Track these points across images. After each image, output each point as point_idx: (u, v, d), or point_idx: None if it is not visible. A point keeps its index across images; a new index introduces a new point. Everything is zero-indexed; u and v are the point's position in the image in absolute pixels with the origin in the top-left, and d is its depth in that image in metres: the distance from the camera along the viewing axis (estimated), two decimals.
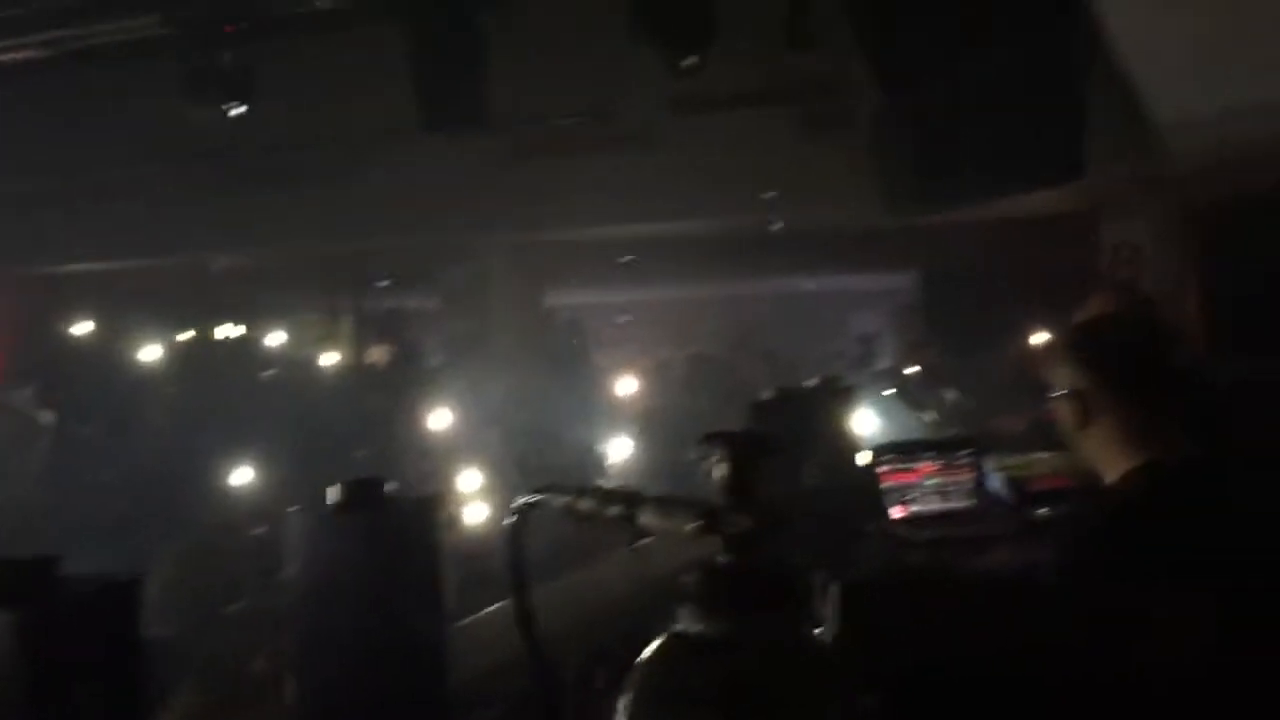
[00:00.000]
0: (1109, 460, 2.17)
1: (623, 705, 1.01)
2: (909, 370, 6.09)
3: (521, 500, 1.33)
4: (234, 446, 7.35)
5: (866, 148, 5.65)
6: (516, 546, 1.34)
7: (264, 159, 8.29)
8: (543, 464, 6.28)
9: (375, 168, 8.34)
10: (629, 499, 1.15)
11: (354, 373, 9.40)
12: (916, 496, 3.80)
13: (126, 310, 9.78)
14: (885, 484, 3.83)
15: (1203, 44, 4.16)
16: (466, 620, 2.75)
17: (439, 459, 6.93)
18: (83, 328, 9.61)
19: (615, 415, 8.68)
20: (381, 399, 8.16)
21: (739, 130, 7.95)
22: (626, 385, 9.70)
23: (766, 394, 3.69)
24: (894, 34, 4.81)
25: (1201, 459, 2.20)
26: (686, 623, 1.02)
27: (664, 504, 1.11)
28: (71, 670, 1.46)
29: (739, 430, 1.04)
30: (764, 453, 1.03)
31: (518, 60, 7.04)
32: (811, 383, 4.42)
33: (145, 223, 8.96)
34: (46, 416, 7.99)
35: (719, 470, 1.04)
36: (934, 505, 3.79)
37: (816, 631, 1.04)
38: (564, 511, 1.24)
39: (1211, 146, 5.72)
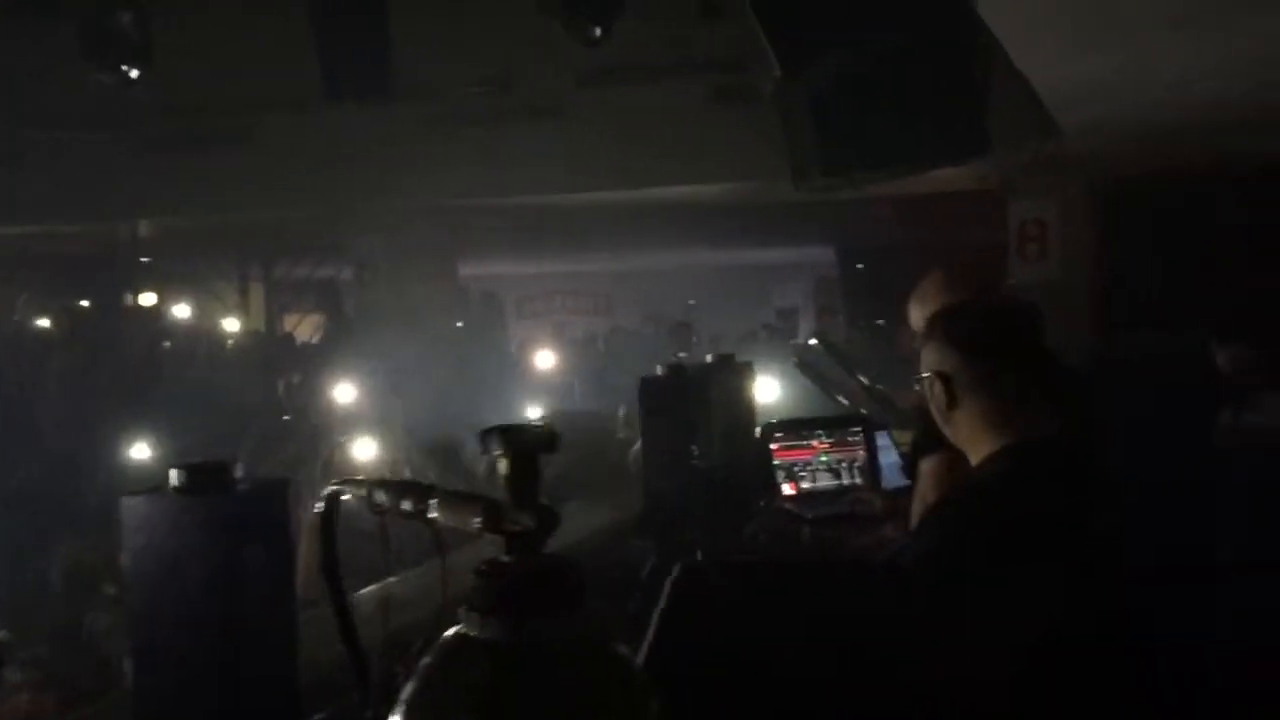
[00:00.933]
0: (973, 442, 2.18)
1: (403, 700, 0.98)
2: (817, 343, 6.10)
3: (329, 490, 1.30)
4: (136, 419, 7.20)
5: (772, 123, 5.62)
6: (327, 535, 1.31)
7: (170, 124, 8.07)
8: (450, 439, 6.22)
9: (287, 135, 8.17)
10: (421, 493, 1.11)
11: (263, 343, 9.24)
12: (809, 473, 3.82)
13: (29, 278, 9.51)
14: (778, 460, 3.85)
15: (1079, 25, 4.20)
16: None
17: (347, 432, 6.84)
18: None
19: (533, 388, 8.64)
20: (290, 370, 8.03)
21: (650, 102, 7.90)
22: (544, 358, 9.67)
23: (659, 369, 3.65)
24: (794, 7, 4.78)
25: (1063, 440, 2.22)
26: (467, 624, 0.98)
27: (453, 499, 1.07)
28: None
29: (519, 425, 1.00)
30: (545, 449, 1.00)
31: (428, 29, 6.92)
32: (708, 358, 4.42)
33: (48, 189, 8.69)
34: None
35: (501, 467, 1.00)
36: (825, 483, 3.81)
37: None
38: (364, 504, 1.21)
39: (1104, 124, 5.79)
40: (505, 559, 0.98)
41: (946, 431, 2.24)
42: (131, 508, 1.98)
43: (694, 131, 7.77)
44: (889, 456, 4.04)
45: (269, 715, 2.08)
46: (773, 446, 3.81)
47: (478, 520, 1.00)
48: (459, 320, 9.99)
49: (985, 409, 2.12)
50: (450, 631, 1.00)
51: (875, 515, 3.52)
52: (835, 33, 4.79)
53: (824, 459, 3.82)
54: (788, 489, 3.75)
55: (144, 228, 9.69)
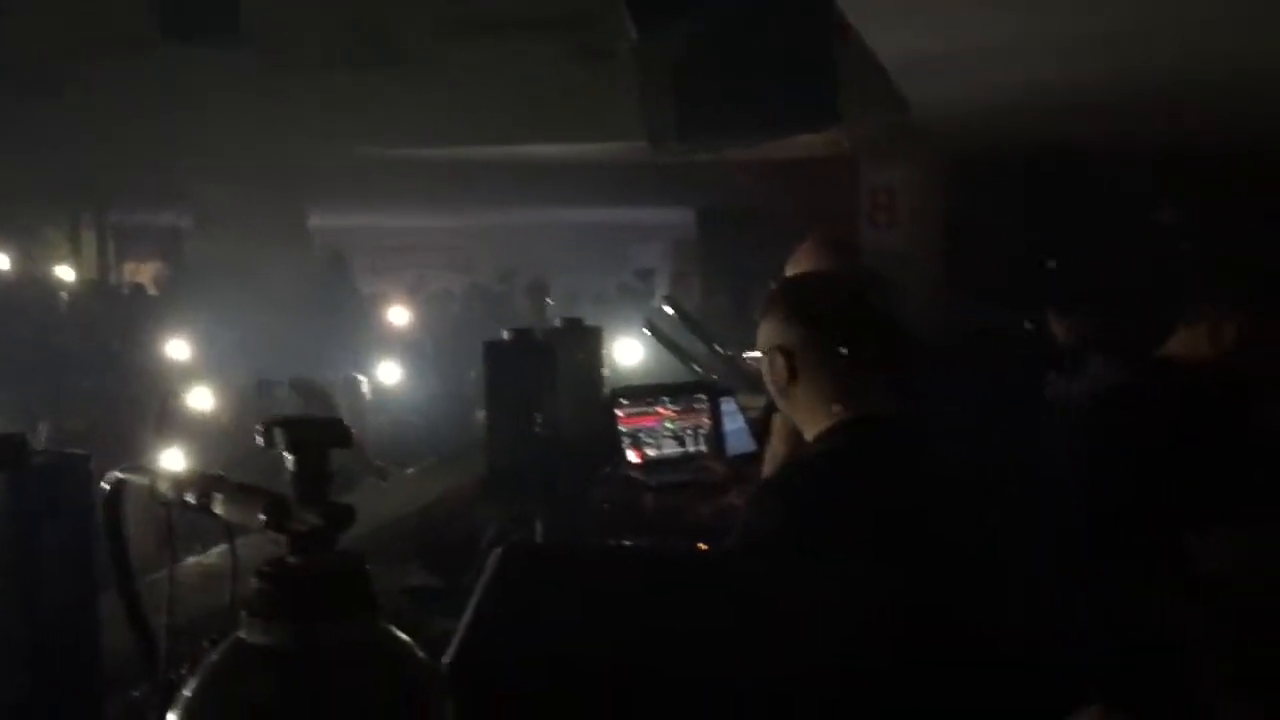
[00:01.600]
0: (810, 418, 2.17)
1: (182, 706, 0.91)
2: (673, 307, 6.08)
3: (114, 474, 1.21)
4: None
5: (630, 84, 5.56)
6: (111, 519, 1.22)
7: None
8: (295, 394, 6.03)
9: (124, 77, 7.75)
10: (206, 485, 1.03)
11: (96, 293, 8.80)
12: (654, 440, 3.80)
13: None
14: (624, 427, 3.82)
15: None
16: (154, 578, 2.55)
17: (184, 387, 6.58)
18: None
19: (387, 345, 8.45)
20: (124, 323, 7.67)
21: (510, 57, 7.75)
22: (398, 315, 9.46)
23: (504, 334, 3.58)
24: None
25: (902, 417, 2.22)
26: (247, 629, 0.91)
27: (239, 493, 1.00)
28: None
29: (305, 417, 0.93)
30: (335, 443, 0.93)
31: None
32: (556, 322, 4.36)
33: None
34: None
35: (286, 461, 0.93)
36: (671, 450, 3.80)
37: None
38: (148, 494, 1.12)
39: (946, 100, 5.92)
40: (290, 559, 0.92)
41: (783, 406, 2.22)
42: None
43: (553, 89, 7.66)
44: (735, 423, 4.05)
45: (69, 698, 1.98)
46: (618, 413, 3.78)
47: (261, 517, 0.93)
48: (305, 274, 9.69)
49: (823, 384, 2.11)
50: (229, 638, 0.93)
51: (718, 483, 3.53)
52: None
53: (669, 426, 3.81)
54: (633, 456, 3.73)
55: None
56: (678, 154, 6.24)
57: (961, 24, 4.51)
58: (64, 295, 8.79)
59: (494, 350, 3.62)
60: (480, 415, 6.08)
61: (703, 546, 3.07)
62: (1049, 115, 6.62)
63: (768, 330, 2.16)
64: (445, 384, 7.42)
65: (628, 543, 3.00)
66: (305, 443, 0.92)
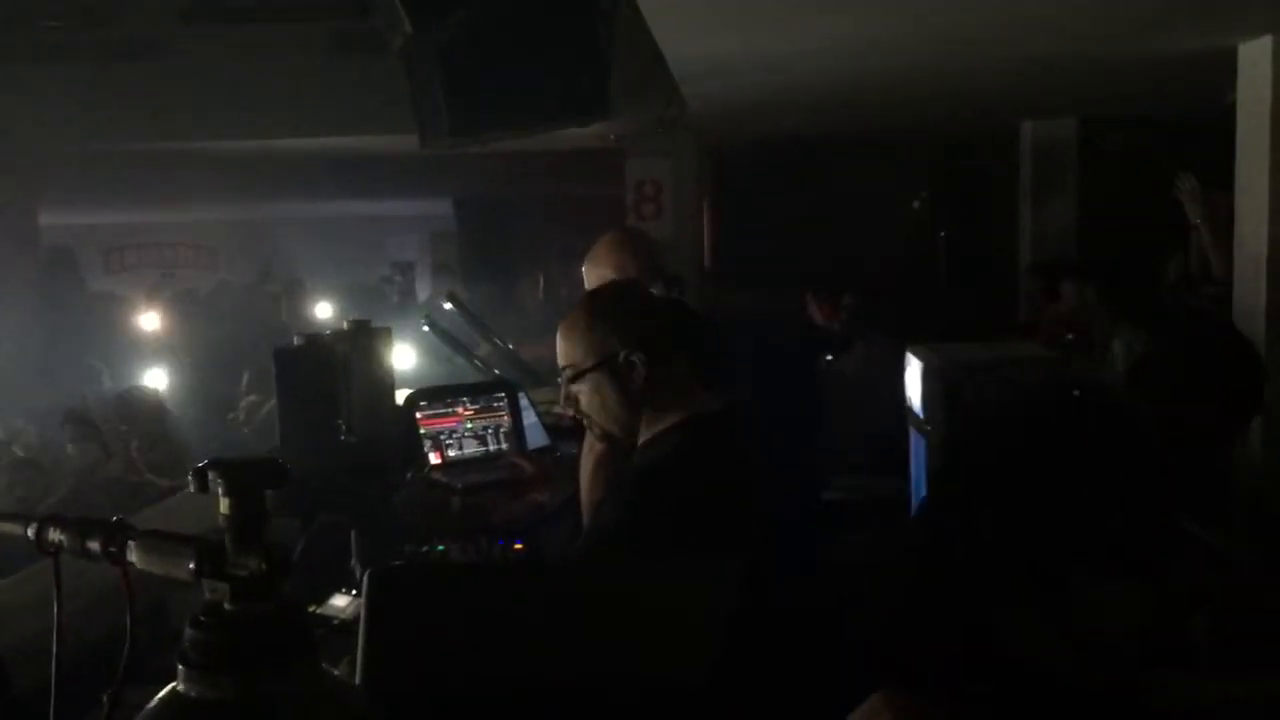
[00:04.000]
0: (650, 418, 2.18)
1: None
2: (453, 303, 6.02)
3: None
4: None
5: (398, 75, 5.47)
6: None
7: None
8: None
9: None
10: (113, 532, 0.98)
11: None
12: (455, 441, 3.77)
13: None
14: (423, 429, 3.77)
15: (712, 4, 4.41)
16: None
17: None
18: None
19: (139, 352, 7.97)
20: None
21: (262, 45, 7.45)
22: (149, 320, 8.98)
23: (296, 339, 3.46)
24: None
25: (727, 412, 2.29)
26: (185, 681, 0.88)
27: (156, 540, 0.95)
28: None
29: (241, 459, 0.90)
30: (271, 484, 0.90)
31: None
32: (344, 325, 4.24)
33: None
34: None
35: (221, 505, 0.90)
36: (472, 450, 3.78)
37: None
38: (32, 543, 1.05)
39: (722, 94, 6.12)
40: (228, 607, 0.88)
41: (623, 408, 2.20)
42: None
43: (311, 80, 7.42)
44: (529, 418, 4.06)
45: None
46: (417, 415, 3.73)
47: (191, 565, 0.89)
48: (32, 276, 9.02)
49: (662, 387, 2.15)
50: (165, 691, 0.89)
51: (525, 480, 3.54)
52: None
53: (469, 425, 3.78)
54: (434, 458, 3.69)
55: None
56: (447, 147, 6.19)
57: (759, 30, 4.68)
58: None
59: (285, 356, 3.50)
60: (260, 416, 5.86)
61: (519, 546, 3.09)
62: (809, 110, 6.94)
63: (607, 339, 2.14)
64: (210, 391, 7.07)
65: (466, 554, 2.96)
66: (242, 485, 0.89)
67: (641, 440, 2.19)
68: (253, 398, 6.16)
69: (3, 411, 6.60)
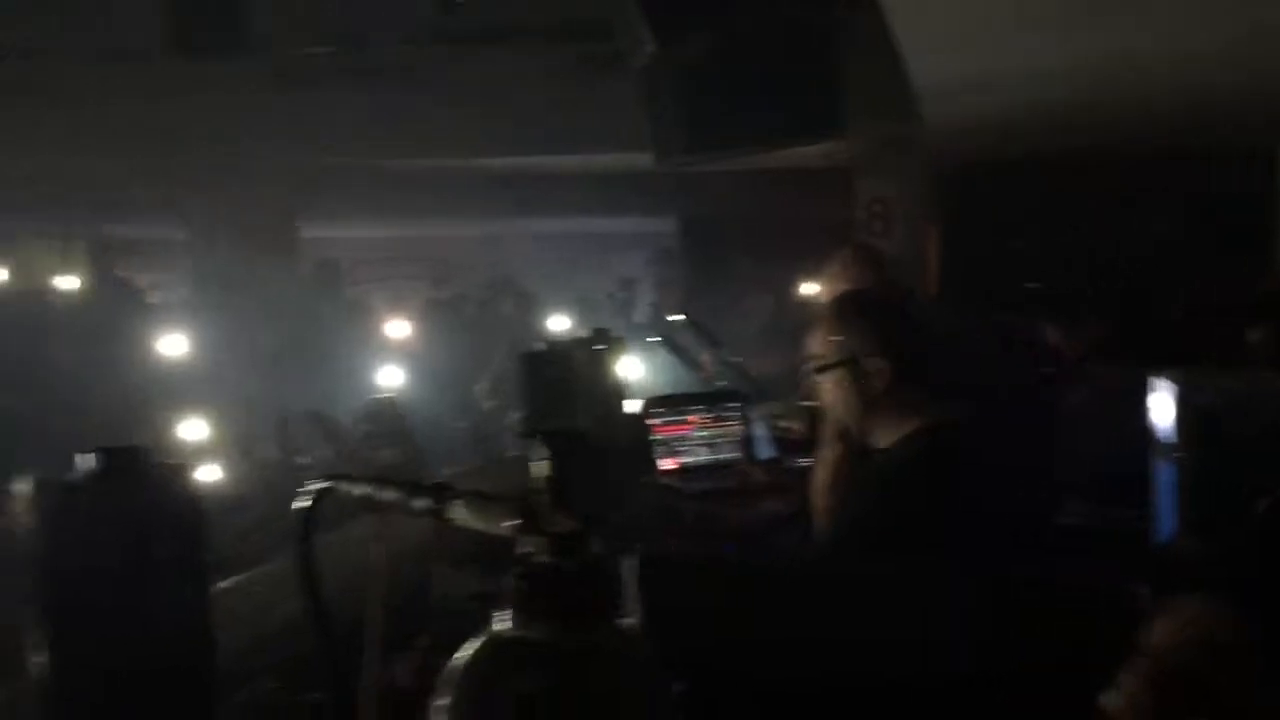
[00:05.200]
0: (890, 424, 2.23)
1: (440, 709, 0.96)
2: (674, 317, 6.15)
3: (315, 485, 1.25)
4: None
5: (638, 93, 5.66)
6: (306, 535, 1.26)
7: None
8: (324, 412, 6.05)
9: (122, 87, 7.74)
10: (438, 492, 1.09)
11: (89, 306, 8.74)
12: (686, 449, 3.87)
13: None
14: (656, 436, 3.88)
15: (967, 12, 4.36)
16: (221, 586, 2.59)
17: (180, 402, 6.56)
18: None
19: (381, 354, 8.44)
20: (118, 334, 7.63)
21: (507, 67, 7.81)
22: (398, 328, 9.46)
23: (538, 345, 3.64)
24: None
25: (967, 423, 2.30)
26: (506, 625, 0.97)
27: (477, 499, 1.05)
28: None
29: (563, 428, 0.99)
30: (587, 450, 0.99)
31: None
32: (582, 333, 4.41)
33: None
34: None
35: (539, 468, 0.99)
36: (703, 457, 3.87)
37: (629, 620, 1.02)
38: (362, 502, 1.17)
39: (962, 113, 6.03)
40: (546, 560, 0.97)
41: (857, 413, 2.28)
42: (32, 493, 1.85)
43: (551, 100, 7.73)
44: (757, 429, 4.12)
45: (181, 708, 2.01)
46: (651, 422, 3.85)
47: (513, 522, 0.99)
48: (296, 286, 9.67)
49: (906, 394, 2.19)
50: (489, 634, 0.98)
51: (757, 489, 3.59)
52: (708, 10, 4.85)
53: (702, 434, 3.87)
54: (667, 464, 3.79)
55: None
56: (682, 164, 6.34)
57: (1011, 47, 4.62)
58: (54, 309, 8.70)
59: (528, 360, 3.68)
60: (508, 421, 6.10)
61: None
62: (1051, 129, 6.76)
63: (854, 341, 2.23)
64: (444, 394, 7.42)
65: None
66: (561, 450, 0.98)
67: (883, 444, 2.23)
68: (490, 403, 6.43)
69: (260, 414, 7.10)
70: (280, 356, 7.79)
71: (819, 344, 2.36)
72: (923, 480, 2.12)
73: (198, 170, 8.32)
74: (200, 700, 2.04)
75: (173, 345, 6.84)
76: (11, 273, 8.67)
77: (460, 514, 1.06)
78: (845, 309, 2.34)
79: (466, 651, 0.99)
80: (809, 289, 5.84)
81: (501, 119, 8.05)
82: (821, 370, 2.31)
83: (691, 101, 5.22)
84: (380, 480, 1.15)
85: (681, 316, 6.09)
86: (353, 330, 9.09)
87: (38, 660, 1.92)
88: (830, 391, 2.33)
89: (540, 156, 8.88)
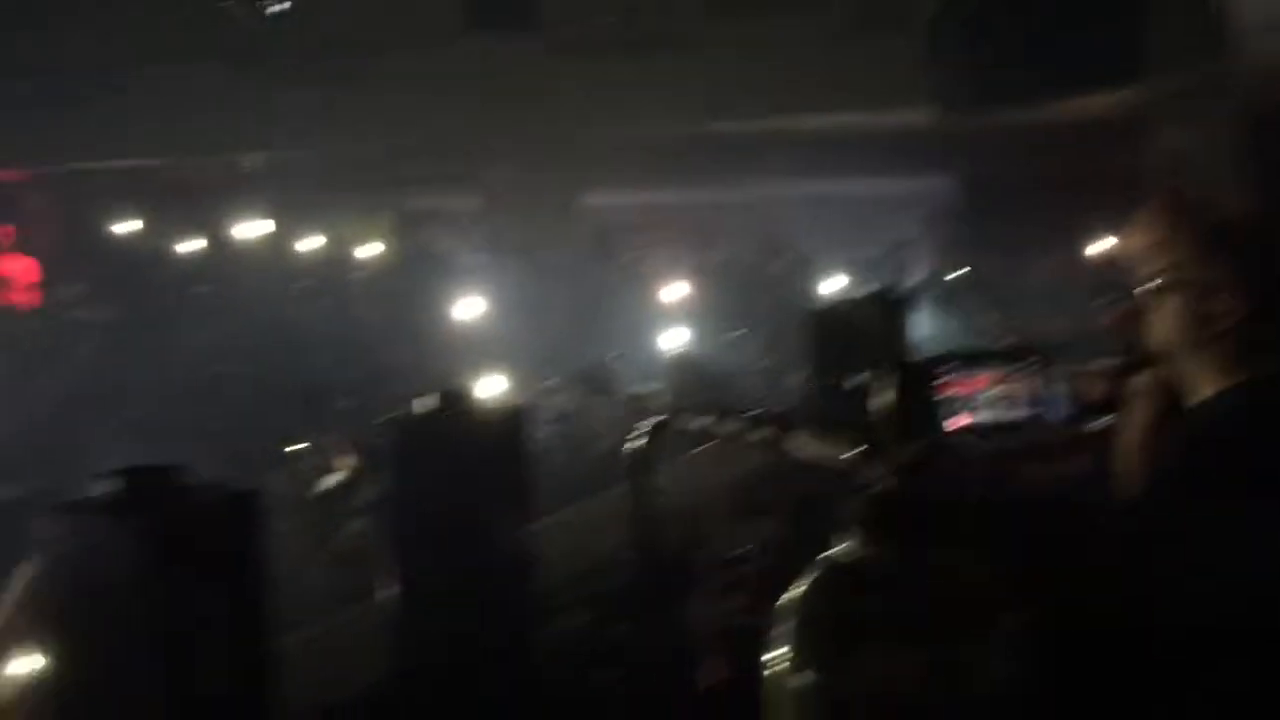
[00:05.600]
0: (1209, 373, 2.01)
1: (783, 636, 1.00)
2: (952, 276, 6.04)
3: (653, 421, 1.33)
4: (274, 347, 7.38)
5: (922, 47, 5.54)
6: (646, 467, 1.34)
7: (303, 59, 8.21)
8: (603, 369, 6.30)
9: (412, 66, 8.25)
10: (778, 422, 1.14)
11: (394, 275, 9.38)
12: (978, 406, 3.78)
13: (163, 209, 9.72)
14: (946, 393, 3.82)
15: None
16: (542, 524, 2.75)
17: (480, 361, 6.96)
18: (124, 226, 9.53)
19: (659, 316, 8.65)
20: (422, 302, 8.16)
21: (780, 31, 7.82)
22: (675, 289, 9.63)
23: (823, 303, 3.66)
24: None
25: None
26: (849, 552, 1.01)
27: (819, 429, 1.10)
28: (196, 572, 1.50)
29: (911, 359, 1.02)
30: (932, 381, 1.02)
31: None
32: (866, 291, 4.39)
33: (180, 121, 8.91)
34: (92, 316, 8.04)
35: (883, 398, 1.02)
36: (995, 415, 3.77)
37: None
38: (700, 434, 1.24)
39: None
40: (894, 488, 1.01)
41: (1185, 353, 2.01)
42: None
43: (828, 61, 7.68)
44: (1052, 388, 3.99)
45: (500, 635, 2.16)
46: (941, 380, 3.79)
47: (859, 450, 1.03)
48: (575, 252, 10.03)
49: (1237, 340, 1.98)
50: (834, 554, 1.02)
51: (1055, 449, 3.48)
52: None
53: (996, 391, 3.78)
54: (960, 421, 3.73)
55: (264, 160, 9.88)
56: (969, 118, 6.17)
57: None
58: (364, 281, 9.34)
59: (818, 318, 3.70)
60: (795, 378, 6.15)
61: None
62: None
63: (1214, 266, 1.82)
64: (725, 354, 7.55)
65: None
66: (908, 381, 1.01)
67: (1201, 397, 2.05)
68: (768, 361, 6.51)
69: (547, 371, 7.43)
70: (568, 317, 8.11)
71: (1167, 253, 2.02)
72: (1245, 441, 1.95)
73: (491, 145, 8.75)
74: (518, 628, 2.19)
75: (470, 307, 7.28)
76: (328, 241, 9.42)
77: (801, 444, 1.11)
78: (1223, 228, 1.98)
79: (803, 582, 1.04)
80: (1110, 246, 5.56)
81: (775, 82, 8.06)
82: (1161, 290, 1.96)
83: (977, 53, 5.06)
84: (724, 411, 1.21)
85: (966, 271, 5.96)
86: (631, 293, 9.36)
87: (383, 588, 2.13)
88: (1162, 313, 1.99)
89: (816, 115, 8.83)
